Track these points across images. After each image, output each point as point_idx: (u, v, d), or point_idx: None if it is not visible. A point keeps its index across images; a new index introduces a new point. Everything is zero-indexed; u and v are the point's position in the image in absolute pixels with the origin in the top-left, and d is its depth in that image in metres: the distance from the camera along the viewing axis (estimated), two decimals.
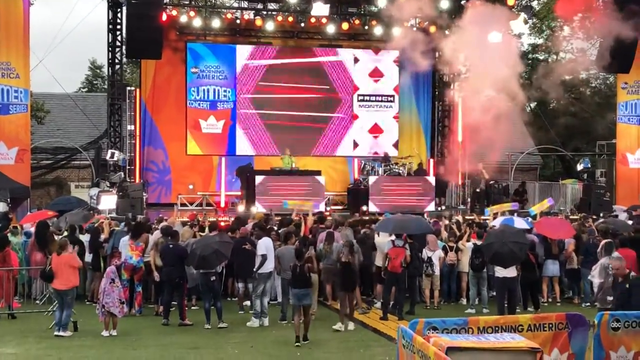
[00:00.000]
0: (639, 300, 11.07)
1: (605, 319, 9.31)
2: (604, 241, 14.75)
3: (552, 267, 18.14)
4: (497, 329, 8.57)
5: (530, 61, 44.37)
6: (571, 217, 23.45)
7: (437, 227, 19.73)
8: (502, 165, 35.46)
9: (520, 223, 18.65)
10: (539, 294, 17.63)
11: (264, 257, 15.91)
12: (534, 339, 8.29)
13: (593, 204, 25.89)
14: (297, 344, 13.75)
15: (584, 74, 44.66)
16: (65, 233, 17.99)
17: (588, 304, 17.33)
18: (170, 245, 16.22)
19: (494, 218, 20.76)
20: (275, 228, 18.80)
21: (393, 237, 16.72)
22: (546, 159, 41.73)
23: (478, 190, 27.47)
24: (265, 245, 16.13)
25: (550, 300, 18.07)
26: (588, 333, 9.06)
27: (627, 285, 11.16)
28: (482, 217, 22.51)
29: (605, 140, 35.79)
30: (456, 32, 26.46)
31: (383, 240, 17.35)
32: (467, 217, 21.73)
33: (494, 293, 17.45)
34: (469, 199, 29.00)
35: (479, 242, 17.54)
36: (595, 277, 13.81)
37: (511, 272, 15.50)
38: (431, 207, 26.05)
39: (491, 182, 27.73)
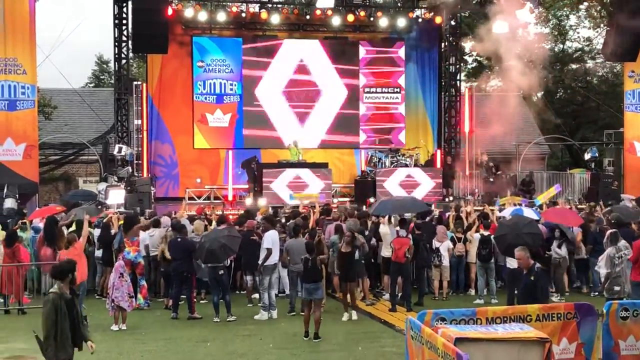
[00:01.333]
0: (545, 293, 10.75)
1: (614, 308, 9.32)
2: (609, 231, 14.71)
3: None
4: (505, 319, 8.59)
5: (536, 50, 44.22)
6: (579, 206, 23.35)
7: (444, 218, 19.72)
8: (509, 155, 35.41)
9: (529, 213, 18.55)
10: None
11: (269, 251, 15.93)
12: (542, 329, 8.30)
13: (601, 193, 25.80)
14: (305, 337, 13.76)
15: (590, 62, 44.58)
16: (73, 227, 18.07)
17: (597, 293, 17.29)
18: (179, 239, 16.27)
19: (500, 211, 20.72)
20: (283, 221, 18.81)
21: (397, 228, 16.77)
22: (554, 148, 41.63)
23: (492, 180, 27.38)
24: (271, 238, 16.13)
25: (567, 293, 18.01)
26: (597, 322, 9.07)
27: (532, 278, 10.79)
28: (491, 208, 22.40)
29: (613, 129, 35.66)
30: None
31: (388, 230, 17.36)
32: (476, 209, 21.63)
33: (502, 283, 17.47)
34: (476, 190, 28.95)
35: (485, 233, 17.54)
36: (601, 267, 13.80)
37: None
38: (438, 198, 26.03)
39: (498, 172, 27.68)
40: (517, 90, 41.24)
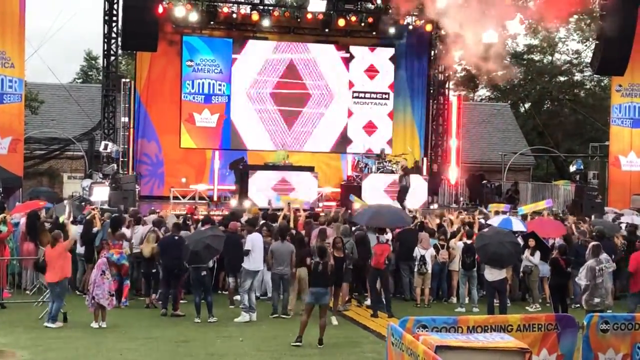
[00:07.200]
0: None
1: (595, 321, 9.32)
2: (592, 243, 14.79)
3: (542, 268, 18.17)
4: (486, 328, 8.58)
5: (525, 62, 44.44)
6: (561, 216, 23.41)
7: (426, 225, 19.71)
8: (495, 165, 35.54)
9: (517, 224, 18.71)
10: (567, 297, 17.47)
11: (246, 252, 15.92)
12: (523, 339, 8.29)
13: (585, 205, 25.93)
14: (299, 343, 13.48)
15: (578, 75, 44.83)
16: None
17: (578, 305, 17.32)
18: (175, 237, 16.29)
19: (486, 219, 20.75)
20: (269, 223, 18.71)
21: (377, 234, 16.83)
22: (539, 159, 41.84)
23: (405, 184, 26.88)
24: (251, 240, 16.08)
25: (540, 300, 18.10)
26: (577, 334, 9.09)
27: None
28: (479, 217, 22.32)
29: (599, 142, 35.88)
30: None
31: (374, 236, 17.36)
32: (462, 217, 21.63)
33: (484, 292, 17.49)
34: (461, 198, 29.03)
35: (469, 242, 17.60)
36: (582, 279, 13.87)
37: (501, 274, 15.50)
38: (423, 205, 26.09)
39: (405, 176, 27.11)
40: (505, 101, 41.43)
